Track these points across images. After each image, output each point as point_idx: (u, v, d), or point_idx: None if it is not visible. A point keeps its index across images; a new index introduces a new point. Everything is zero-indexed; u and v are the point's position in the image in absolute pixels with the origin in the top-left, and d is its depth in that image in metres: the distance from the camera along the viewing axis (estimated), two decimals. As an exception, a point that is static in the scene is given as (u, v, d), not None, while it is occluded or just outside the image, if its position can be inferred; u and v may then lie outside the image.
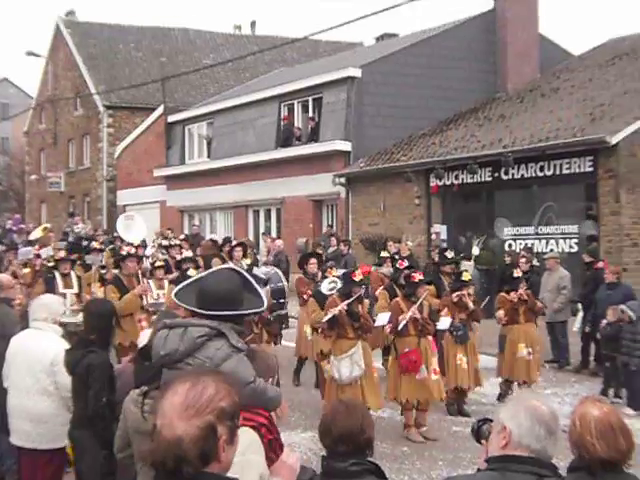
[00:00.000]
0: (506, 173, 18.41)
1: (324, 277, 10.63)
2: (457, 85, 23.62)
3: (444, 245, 19.24)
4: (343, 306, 8.93)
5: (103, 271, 13.22)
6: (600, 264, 13.64)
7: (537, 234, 18.03)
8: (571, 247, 17.24)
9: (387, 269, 12.19)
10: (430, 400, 9.51)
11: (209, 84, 35.54)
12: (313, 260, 11.95)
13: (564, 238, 17.45)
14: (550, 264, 13.79)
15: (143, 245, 17.06)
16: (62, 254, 12.79)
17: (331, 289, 9.68)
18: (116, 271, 11.48)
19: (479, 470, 3.14)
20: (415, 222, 20.78)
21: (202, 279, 4.54)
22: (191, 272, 10.49)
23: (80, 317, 9.17)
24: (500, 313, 10.91)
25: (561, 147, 17.05)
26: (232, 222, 27.21)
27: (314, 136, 23.77)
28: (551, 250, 16.66)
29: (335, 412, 3.73)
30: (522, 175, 18.23)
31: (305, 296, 11.48)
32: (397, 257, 16.57)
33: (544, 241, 17.81)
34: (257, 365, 4.23)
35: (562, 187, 17.85)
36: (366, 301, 9.65)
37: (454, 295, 10.35)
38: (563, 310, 13.40)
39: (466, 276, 10.54)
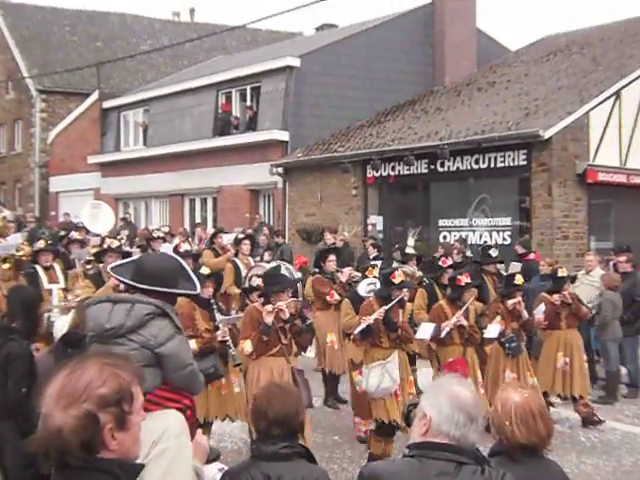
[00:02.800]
0: (442, 165, 18.56)
1: (364, 276, 9.29)
2: (395, 77, 23.73)
3: (380, 236, 19.36)
4: (380, 313, 7.72)
5: (89, 267, 11.09)
6: (531, 256, 13.88)
7: (471, 226, 18.23)
8: (504, 239, 17.47)
9: (411, 268, 10.79)
10: None
11: (146, 71, 34.98)
12: (332, 257, 10.37)
13: (497, 230, 17.68)
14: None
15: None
16: (41, 244, 10.88)
17: (370, 291, 8.61)
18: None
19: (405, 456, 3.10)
20: (351, 213, 20.81)
21: (140, 257, 4.62)
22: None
23: (70, 316, 8.68)
24: (540, 316, 9.66)
25: (496, 140, 17.23)
26: (168, 211, 26.88)
27: (252, 125, 23.59)
28: (484, 242, 16.86)
29: (271, 395, 3.74)
30: (457, 167, 18.39)
31: (329, 298, 10.02)
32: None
33: (478, 233, 18.01)
34: None
35: (496, 180, 18.06)
36: (409, 305, 8.43)
37: (510, 302, 9.01)
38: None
39: (520, 280, 9.24)
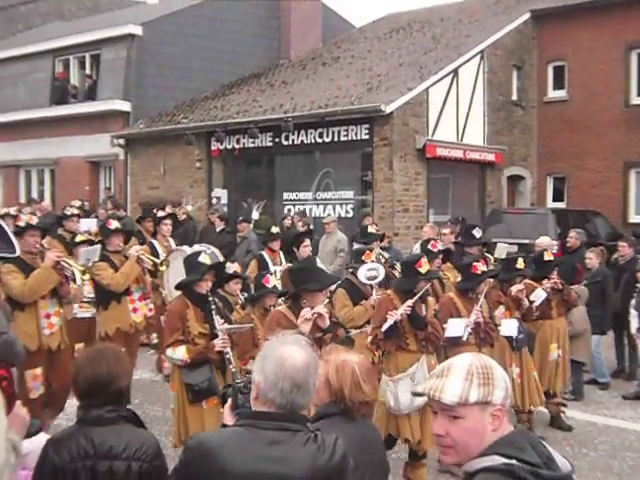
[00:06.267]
0: (286, 139, 18.53)
1: (361, 262, 7.76)
2: (241, 50, 23.54)
3: (225, 209, 19.15)
4: (407, 306, 6.44)
5: None
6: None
7: (315, 199, 18.36)
8: (347, 212, 17.72)
9: (377, 250, 9.34)
10: None
11: (-23, 35, 32.91)
12: (307, 241, 9.24)
13: (341, 204, 17.89)
14: (330, 227, 14.02)
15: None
16: None
17: (371, 278, 7.47)
18: None
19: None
20: (196, 186, 20.48)
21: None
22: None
23: None
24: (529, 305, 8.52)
25: (339, 114, 17.36)
26: (2, 184, 25.50)
27: (91, 94, 22.72)
28: (328, 214, 17.03)
29: (84, 361, 3.57)
30: (302, 141, 18.41)
31: None
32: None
33: (322, 206, 18.17)
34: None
35: (340, 154, 18.25)
36: (430, 300, 6.98)
37: (514, 290, 8.10)
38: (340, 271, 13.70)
39: (521, 263, 8.24)
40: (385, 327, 6.41)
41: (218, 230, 15.14)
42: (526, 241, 13.80)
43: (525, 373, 8.01)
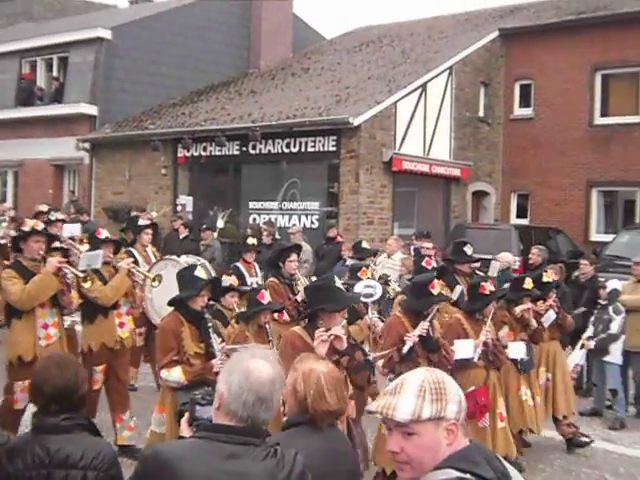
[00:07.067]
0: (254, 148, 18.52)
1: (357, 278, 7.58)
2: (210, 57, 23.51)
3: (190, 217, 19.07)
4: (422, 329, 6.24)
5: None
6: (339, 239, 14.23)
7: (281, 209, 18.35)
8: (312, 223, 17.72)
9: (373, 266, 9.38)
10: None
11: (-58, 33, 32.44)
12: (294, 256, 8.79)
13: (306, 214, 17.90)
14: (295, 238, 14.04)
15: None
16: None
17: (367, 296, 7.34)
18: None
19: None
20: (161, 192, 20.37)
21: None
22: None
23: None
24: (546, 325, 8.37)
25: (307, 125, 17.39)
26: (-37, 184, 25.16)
27: (58, 97, 22.52)
28: (293, 225, 17.02)
29: (47, 370, 3.51)
30: (269, 150, 18.41)
31: (277, 316, 8.05)
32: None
33: (287, 216, 18.15)
34: None
35: (307, 165, 18.26)
36: (435, 322, 6.69)
37: (518, 309, 7.90)
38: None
39: (528, 284, 7.96)
40: (405, 349, 6.18)
41: (182, 237, 15.06)
42: (489, 257, 13.88)
43: (533, 396, 7.90)
